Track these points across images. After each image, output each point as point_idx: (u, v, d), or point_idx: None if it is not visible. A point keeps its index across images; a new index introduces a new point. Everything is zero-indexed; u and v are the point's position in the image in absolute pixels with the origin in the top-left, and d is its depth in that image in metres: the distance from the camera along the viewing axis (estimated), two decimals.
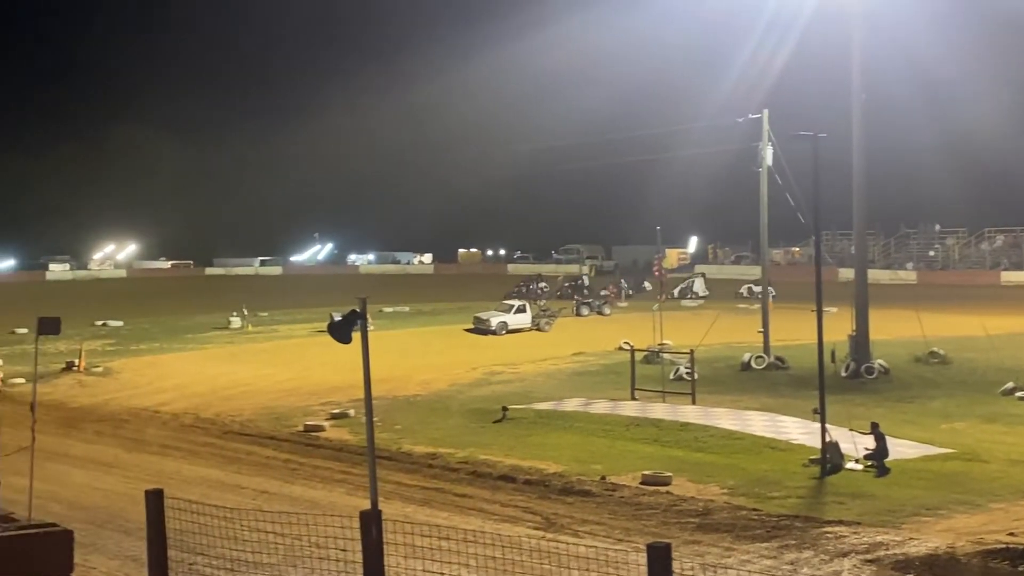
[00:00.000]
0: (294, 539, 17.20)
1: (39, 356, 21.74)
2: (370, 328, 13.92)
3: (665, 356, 43.29)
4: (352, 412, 34.70)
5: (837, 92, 46.48)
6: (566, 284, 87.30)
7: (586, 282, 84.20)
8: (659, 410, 34.99)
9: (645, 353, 43.58)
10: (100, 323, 68.06)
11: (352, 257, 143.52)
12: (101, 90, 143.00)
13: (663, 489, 24.66)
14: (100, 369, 47.83)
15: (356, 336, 13.88)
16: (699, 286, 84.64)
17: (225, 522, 16.01)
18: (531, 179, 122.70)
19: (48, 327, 20.91)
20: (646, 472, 25.84)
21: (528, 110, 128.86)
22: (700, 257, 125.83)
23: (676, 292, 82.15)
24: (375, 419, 14.81)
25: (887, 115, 65.37)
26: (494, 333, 60.06)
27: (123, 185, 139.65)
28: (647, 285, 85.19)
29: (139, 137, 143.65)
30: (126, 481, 26.32)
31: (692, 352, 39.09)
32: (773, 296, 53.73)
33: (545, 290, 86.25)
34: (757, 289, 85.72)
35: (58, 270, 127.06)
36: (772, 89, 63.93)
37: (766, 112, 45.62)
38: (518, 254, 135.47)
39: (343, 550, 15.65)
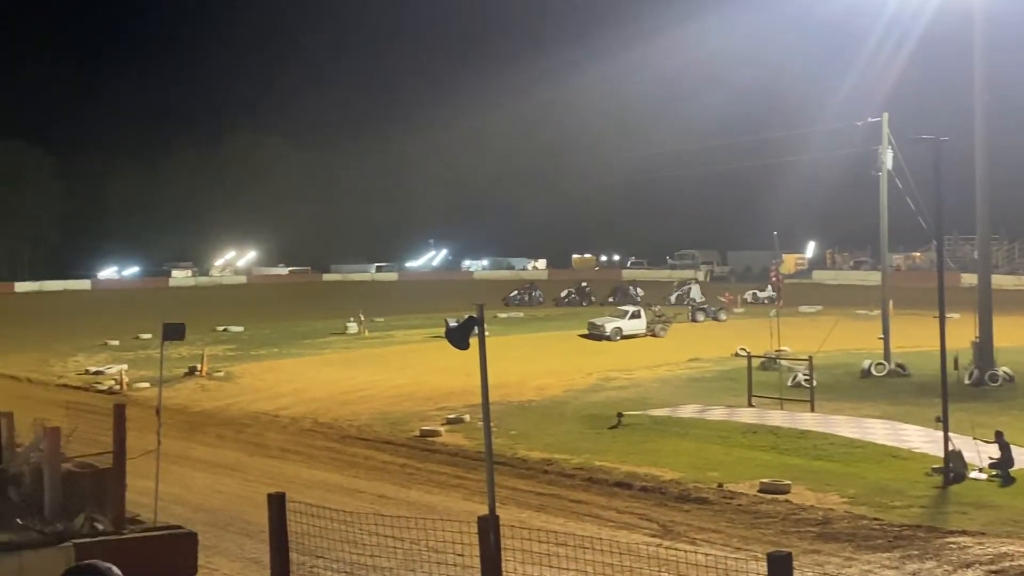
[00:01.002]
0: (411, 543, 17.35)
1: (161, 361, 22.23)
2: (485, 334, 13.93)
3: (782, 363, 42.75)
4: (467, 417, 34.85)
5: (959, 93, 45.56)
6: (572, 290, 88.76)
7: (694, 290, 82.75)
8: (777, 417, 34.57)
9: (762, 359, 43.07)
10: (221, 328, 69.29)
11: (466, 263, 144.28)
12: (221, 99, 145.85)
13: (781, 497, 24.36)
14: (222, 374, 48.66)
15: (472, 342, 13.93)
16: (695, 292, 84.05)
17: (344, 526, 16.20)
18: (646, 184, 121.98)
19: (173, 332, 21.38)
20: (764, 480, 25.56)
21: (644, 114, 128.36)
22: (818, 262, 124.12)
23: (672, 299, 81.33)
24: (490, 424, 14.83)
25: (1011, 116, 63.83)
26: (608, 339, 59.89)
27: (243, 192, 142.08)
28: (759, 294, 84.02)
29: (258, 145, 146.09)
30: (247, 484, 26.75)
31: (811, 358, 38.57)
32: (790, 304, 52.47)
33: (540, 297, 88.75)
34: (762, 294, 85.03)
35: (180, 277, 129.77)
36: (892, 91, 62.89)
37: (886, 115, 44.84)
38: (632, 260, 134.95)
39: (460, 555, 15.74)
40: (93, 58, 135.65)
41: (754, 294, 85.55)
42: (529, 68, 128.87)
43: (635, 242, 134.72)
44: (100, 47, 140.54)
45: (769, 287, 74.14)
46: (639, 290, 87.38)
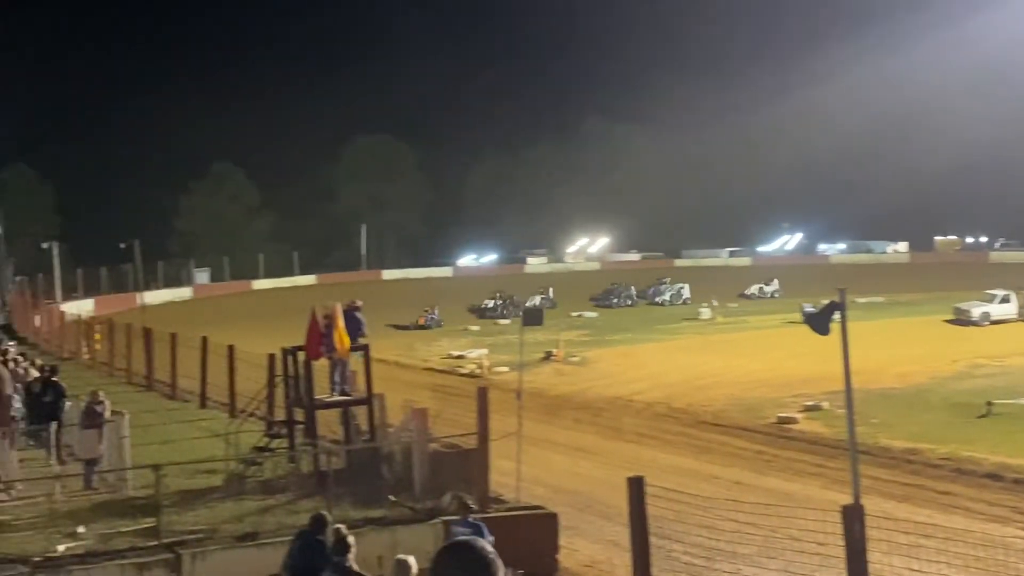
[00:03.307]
0: (770, 531, 17.10)
1: (521, 346, 22.83)
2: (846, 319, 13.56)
3: None
4: (825, 404, 34.07)
5: None
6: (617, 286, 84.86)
7: None
8: None
9: None
10: (576, 315, 70.53)
11: (822, 247, 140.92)
12: (578, 87, 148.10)
13: None
14: (577, 359, 49.51)
15: (832, 327, 13.62)
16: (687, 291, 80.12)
17: (701, 511, 16.16)
18: (1018, 159, 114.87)
19: (532, 319, 22.00)
20: None
21: (1012, 78, 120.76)
22: None
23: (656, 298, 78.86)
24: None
25: None
26: (976, 324, 57.13)
27: (597, 179, 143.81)
28: None
29: (612, 131, 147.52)
30: (604, 467, 27.11)
31: None
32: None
33: (628, 298, 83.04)
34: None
35: (536, 263, 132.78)
36: None
37: None
38: (1001, 242, 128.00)
39: (820, 544, 15.41)
40: (453, 55, 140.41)
41: None
42: (880, 33, 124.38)
43: (1004, 222, 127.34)
44: (462, 45, 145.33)
45: None
46: (677, 286, 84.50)
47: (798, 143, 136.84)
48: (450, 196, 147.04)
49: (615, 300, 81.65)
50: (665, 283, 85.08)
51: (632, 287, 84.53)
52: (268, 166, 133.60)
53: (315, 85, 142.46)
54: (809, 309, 13.90)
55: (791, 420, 32.77)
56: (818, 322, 13.57)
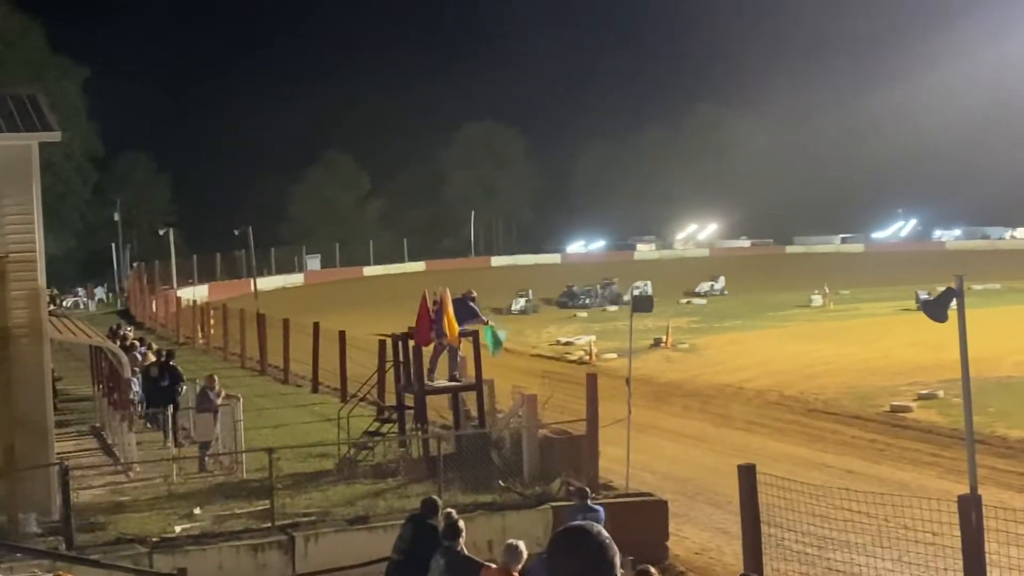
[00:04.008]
0: (883, 520, 16.90)
1: (631, 333, 22.77)
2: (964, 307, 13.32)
3: None
4: (940, 393, 33.44)
5: None
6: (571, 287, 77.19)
7: None
8: None
9: None
10: (685, 301, 70.14)
11: (937, 233, 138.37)
12: (688, 73, 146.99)
13: None
14: (686, 345, 49.25)
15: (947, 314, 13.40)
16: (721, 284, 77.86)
17: (812, 499, 16.01)
18: None
19: (642, 305, 21.95)
20: None
21: None
22: None
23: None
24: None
25: None
26: None
27: (705, 165, 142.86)
28: None
29: (721, 117, 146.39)
30: (713, 455, 26.95)
31: None
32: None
33: (610, 295, 75.33)
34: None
35: (644, 250, 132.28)
36: None
37: None
38: None
39: (935, 534, 15.18)
40: (563, 43, 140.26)
41: None
42: (992, 18, 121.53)
43: None
44: (572, 34, 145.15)
45: None
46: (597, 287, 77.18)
47: (913, 128, 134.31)
48: (559, 183, 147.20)
49: (585, 300, 74.19)
50: (612, 284, 77.63)
51: (614, 284, 77.11)
52: (378, 153, 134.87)
53: (425, 73, 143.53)
54: (925, 296, 13.67)
55: (905, 408, 32.24)
56: (934, 309, 13.35)
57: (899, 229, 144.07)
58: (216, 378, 25.46)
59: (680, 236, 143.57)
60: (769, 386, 38.08)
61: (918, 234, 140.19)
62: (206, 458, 23.49)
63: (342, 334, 36.40)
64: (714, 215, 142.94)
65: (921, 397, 33.59)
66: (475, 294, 24.89)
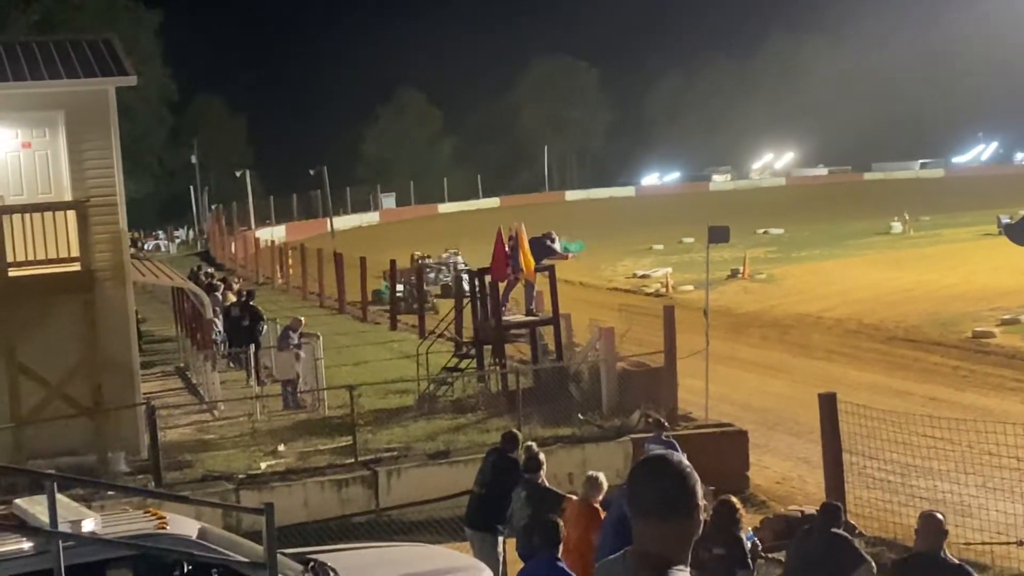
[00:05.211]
0: (967, 446, 16.74)
1: (708, 263, 22.65)
2: None
3: None
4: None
5: None
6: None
7: None
8: None
9: None
10: (762, 231, 69.52)
11: (1019, 156, 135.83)
12: (760, 2, 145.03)
13: None
14: (763, 276, 48.86)
15: None
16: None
17: (895, 427, 15.91)
18: None
19: (718, 235, 21.76)
20: None
21: None
22: None
23: None
24: None
25: None
26: None
27: (780, 94, 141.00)
28: None
29: (795, 45, 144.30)
30: (793, 385, 26.80)
31: None
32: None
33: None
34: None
35: (720, 180, 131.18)
36: None
37: None
38: None
39: (1020, 459, 15.05)
40: None
41: None
42: None
43: None
44: None
45: None
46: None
47: (994, 50, 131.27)
48: (632, 116, 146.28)
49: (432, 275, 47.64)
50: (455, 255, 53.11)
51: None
52: (451, 91, 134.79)
53: (495, 8, 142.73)
54: (1007, 220, 13.44)
55: (988, 334, 31.79)
56: (1017, 233, 13.14)
57: (980, 153, 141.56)
58: (303, 320, 25.75)
59: (756, 166, 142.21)
60: (848, 315, 37.71)
61: (999, 157, 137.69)
62: (290, 396, 23.80)
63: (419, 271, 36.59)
64: (790, 144, 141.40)
65: (1004, 322, 33.10)
66: (555, 235, 24.96)
